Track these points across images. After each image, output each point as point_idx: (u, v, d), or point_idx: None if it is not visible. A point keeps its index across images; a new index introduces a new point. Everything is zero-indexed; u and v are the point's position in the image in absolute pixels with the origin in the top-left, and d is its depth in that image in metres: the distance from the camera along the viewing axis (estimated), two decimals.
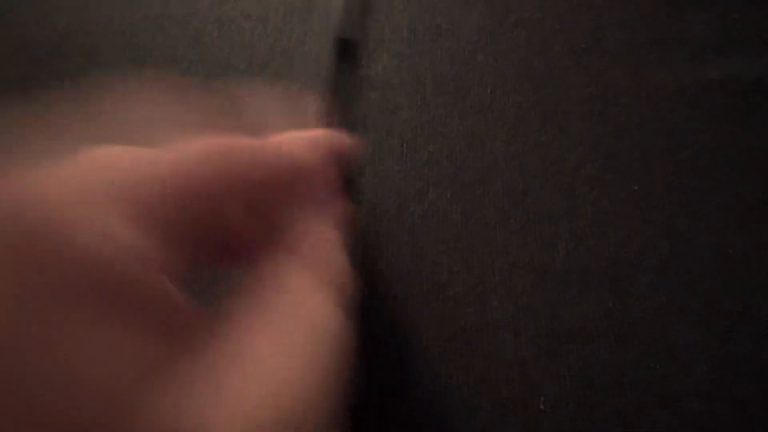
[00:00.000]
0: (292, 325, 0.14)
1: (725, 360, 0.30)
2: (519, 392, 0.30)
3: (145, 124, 0.15)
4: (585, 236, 0.34)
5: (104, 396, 0.10)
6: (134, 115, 0.15)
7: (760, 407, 0.28)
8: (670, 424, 0.28)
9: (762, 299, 0.31)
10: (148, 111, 0.15)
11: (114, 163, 0.13)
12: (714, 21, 0.42)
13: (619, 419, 0.29)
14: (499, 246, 0.34)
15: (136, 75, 0.18)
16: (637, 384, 0.29)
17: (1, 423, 0.09)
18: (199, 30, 0.45)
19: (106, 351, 0.11)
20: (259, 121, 0.16)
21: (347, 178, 0.20)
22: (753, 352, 0.30)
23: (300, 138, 0.17)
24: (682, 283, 0.32)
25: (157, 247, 0.12)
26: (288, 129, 0.17)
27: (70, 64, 0.45)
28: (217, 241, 0.14)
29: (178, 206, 0.13)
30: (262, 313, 0.14)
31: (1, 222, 0.10)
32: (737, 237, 0.33)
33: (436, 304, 0.33)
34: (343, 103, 0.31)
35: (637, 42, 0.41)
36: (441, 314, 0.32)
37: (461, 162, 0.36)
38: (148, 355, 0.11)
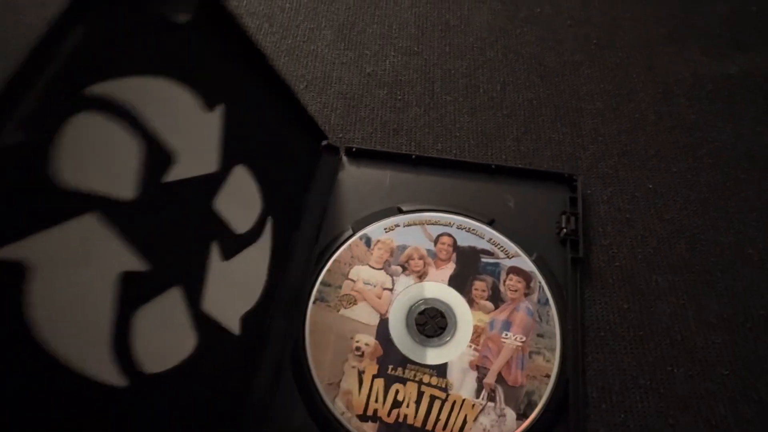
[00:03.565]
0: None
1: (748, 362, 0.29)
2: None
3: None
4: (599, 236, 0.33)
5: None
6: None
7: None
8: (693, 427, 0.27)
9: None
10: None
11: None
12: (732, 14, 0.41)
13: (637, 422, 0.27)
14: None
15: None
16: (655, 387, 0.28)
17: None
18: None
19: None
20: None
21: None
22: None
23: None
24: (701, 283, 0.31)
25: None
26: None
27: None
28: None
29: None
30: None
31: None
32: (758, 236, 0.32)
33: None
34: None
35: (652, 36, 0.40)
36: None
37: (471, 159, 0.35)
38: None
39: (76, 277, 0.18)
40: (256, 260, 0.28)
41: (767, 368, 0.29)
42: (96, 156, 0.18)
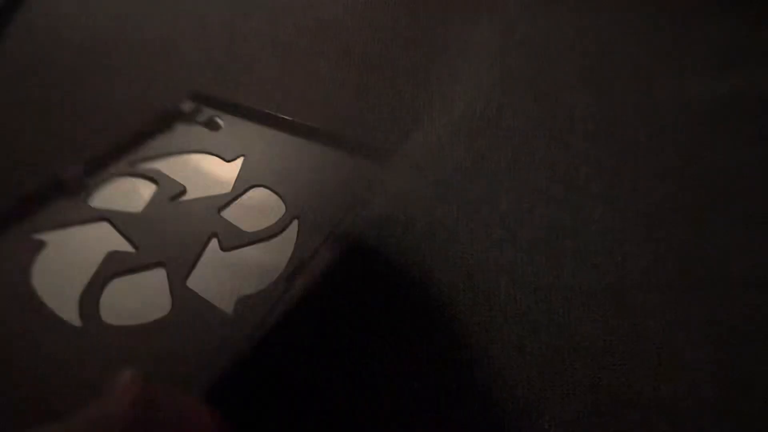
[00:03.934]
0: None
1: (732, 378, 0.30)
2: (524, 411, 0.30)
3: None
4: (590, 254, 0.34)
5: None
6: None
7: (766, 421, 0.28)
8: None
9: (766, 315, 0.31)
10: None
11: None
12: (722, 35, 0.42)
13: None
14: (505, 264, 0.34)
15: None
16: (643, 402, 0.30)
17: None
18: (209, 47, 0.47)
19: None
20: None
21: None
22: (761, 370, 0.30)
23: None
24: (687, 300, 0.32)
25: None
26: None
27: (86, 79, 0.47)
28: None
29: None
30: None
31: None
32: (743, 254, 0.33)
33: (441, 321, 0.33)
34: None
35: (643, 58, 0.41)
36: (448, 331, 0.33)
37: (468, 180, 0.37)
38: None
39: (73, 253, 0.30)
40: (270, 254, 0.31)
41: (752, 383, 0.30)
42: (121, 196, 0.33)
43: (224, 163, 0.36)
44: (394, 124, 0.40)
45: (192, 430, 0.19)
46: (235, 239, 0.32)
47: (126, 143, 0.36)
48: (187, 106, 0.41)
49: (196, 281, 0.30)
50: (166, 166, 0.35)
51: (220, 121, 0.40)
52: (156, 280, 0.30)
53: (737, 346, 0.30)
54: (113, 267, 0.30)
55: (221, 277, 0.30)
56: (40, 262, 0.30)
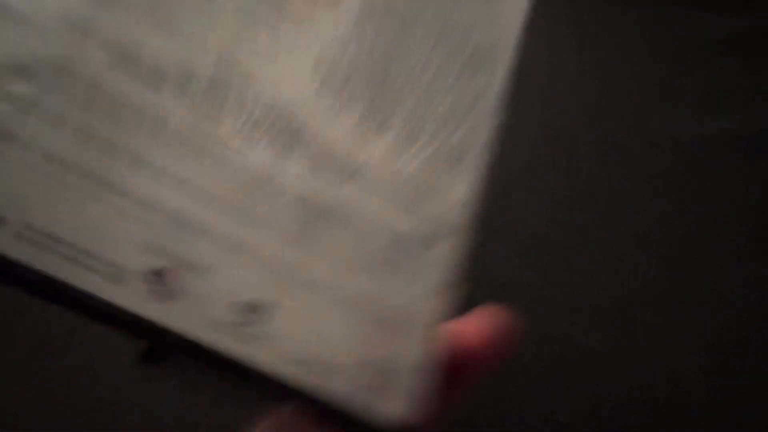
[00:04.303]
0: None
1: (725, 384, 0.33)
2: (538, 409, 0.34)
3: None
4: (595, 272, 0.38)
5: None
6: None
7: (757, 428, 0.31)
8: None
9: (757, 328, 0.34)
10: None
11: None
12: (715, 77, 0.46)
13: None
14: (520, 283, 0.38)
15: None
16: (642, 407, 0.33)
17: None
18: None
19: None
20: None
21: None
22: (751, 378, 0.33)
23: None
24: (683, 314, 0.35)
25: None
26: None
27: None
28: None
29: None
30: None
31: None
32: (734, 272, 0.36)
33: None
34: None
35: (642, 99, 0.45)
36: None
37: (485, 209, 0.41)
38: None
39: None
40: None
41: (742, 390, 0.32)
42: None
43: None
44: None
45: None
46: None
47: None
48: None
49: None
50: None
51: None
52: None
53: (729, 354, 0.33)
54: None
55: None
56: None
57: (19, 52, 0.14)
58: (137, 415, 0.35)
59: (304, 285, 0.15)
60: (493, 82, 0.20)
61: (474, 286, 0.18)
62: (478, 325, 0.18)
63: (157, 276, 0.13)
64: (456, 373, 0.17)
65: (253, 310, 0.15)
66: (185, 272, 0.14)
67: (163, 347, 0.14)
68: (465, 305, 0.19)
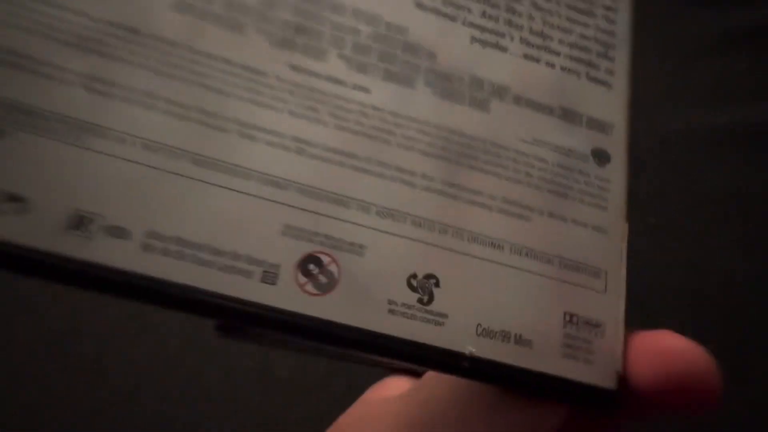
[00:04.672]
0: None
1: (737, 376, 0.34)
2: None
3: None
4: None
5: None
6: None
7: None
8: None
9: (766, 322, 0.35)
10: None
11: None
12: (722, 70, 0.47)
13: None
14: None
15: None
16: None
17: None
18: None
19: None
20: None
21: None
22: (761, 371, 0.34)
23: None
24: (695, 306, 0.37)
25: None
26: None
27: None
28: None
29: None
30: None
31: None
32: (745, 265, 0.38)
33: None
34: None
35: (651, 93, 0.46)
36: None
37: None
38: None
39: None
40: None
41: (756, 380, 0.34)
42: None
43: None
44: None
45: None
46: None
47: None
48: None
49: None
50: None
51: None
52: None
53: (740, 345, 0.35)
54: None
55: None
56: None
57: (75, 20, 0.12)
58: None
59: (470, 242, 0.13)
60: None
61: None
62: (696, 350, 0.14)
63: (311, 265, 0.12)
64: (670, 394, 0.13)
65: (424, 285, 0.12)
66: (339, 254, 0.12)
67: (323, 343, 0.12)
68: None
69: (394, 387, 0.18)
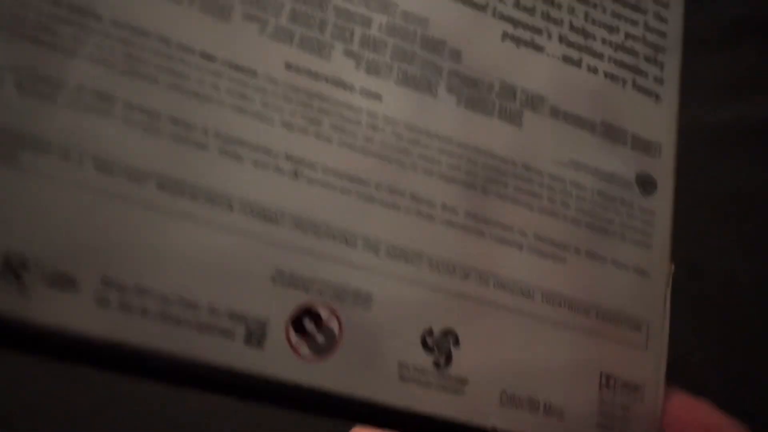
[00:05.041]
0: None
1: (740, 376, 0.33)
2: None
3: None
4: None
5: None
6: None
7: None
8: None
9: None
10: None
11: None
12: (729, 64, 0.45)
13: None
14: None
15: None
16: None
17: None
18: None
19: None
20: None
21: None
22: (763, 372, 0.33)
23: None
24: (696, 306, 0.36)
25: None
26: None
27: None
28: None
29: None
30: None
31: None
32: (747, 265, 0.37)
33: None
34: None
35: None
36: None
37: None
38: None
39: None
40: None
41: (759, 381, 0.33)
42: None
43: None
44: None
45: None
46: None
47: None
48: None
49: None
50: None
51: None
52: None
53: (743, 346, 0.34)
54: None
55: None
56: None
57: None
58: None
59: (496, 289, 0.11)
60: None
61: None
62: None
63: (307, 320, 0.10)
64: None
65: (441, 343, 0.10)
66: (341, 306, 0.10)
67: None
68: None
69: None
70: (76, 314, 0.09)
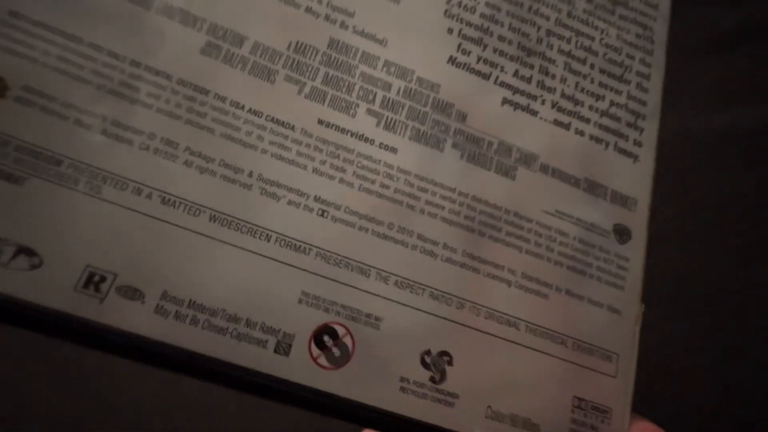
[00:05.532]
0: None
1: (728, 384, 0.34)
2: None
3: None
4: None
5: None
6: None
7: (761, 428, 0.33)
8: None
9: (761, 329, 0.35)
10: None
11: None
12: (721, 72, 0.46)
13: None
14: None
15: None
16: (643, 403, 0.34)
17: None
18: None
19: None
20: None
21: None
22: (754, 377, 0.34)
23: None
24: (686, 314, 0.36)
25: None
26: None
27: None
28: None
29: None
30: None
31: None
32: (738, 273, 0.37)
33: None
34: None
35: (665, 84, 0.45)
36: None
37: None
38: None
39: None
40: None
41: (746, 389, 0.34)
42: None
43: None
44: None
45: None
46: None
47: None
48: None
49: None
50: None
51: None
52: None
53: (735, 352, 0.35)
54: None
55: None
56: None
57: (99, 58, 0.12)
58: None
59: (486, 319, 0.13)
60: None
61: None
62: None
63: (326, 336, 0.12)
64: None
65: (437, 362, 0.12)
66: (355, 326, 0.12)
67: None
68: None
69: None
70: (141, 320, 0.11)
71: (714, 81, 0.45)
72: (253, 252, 0.12)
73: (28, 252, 0.10)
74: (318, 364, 0.11)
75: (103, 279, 0.11)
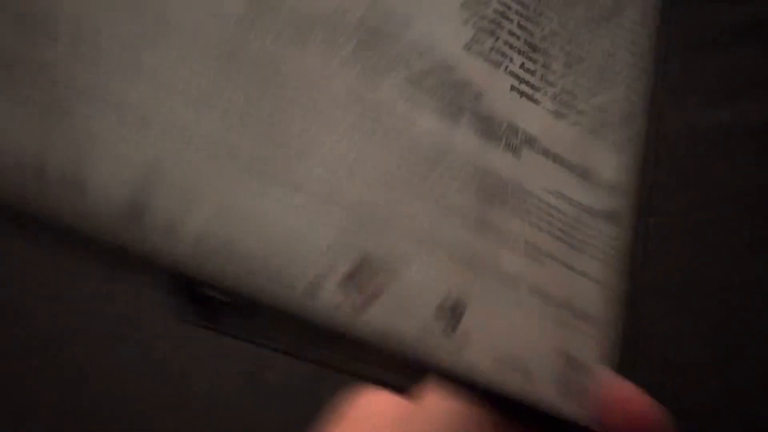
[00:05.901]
0: None
1: (735, 378, 0.35)
2: None
3: None
4: None
5: None
6: None
7: (766, 423, 0.33)
8: None
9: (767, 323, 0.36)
10: None
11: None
12: (727, 66, 0.46)
13: None
14: None
15: None
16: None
17: None
18: None
19: None
20: None
21: None
22: (759, 372, 0.34)
23: None
24: (693, 308, 0.37)
25: None
26: None
27: None
28: None
29: None
30: None
31: None
32: (745, 267, 0.38)
33: None
34: None
35: (656, 90, 0.45)
36: None
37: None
38: None
39: None
40: None
41: (754, 384, 0.34)
42: None
43: None
44: None
45: None
46: None
47: None
48: None
49: None
50: None
51: None
52: None
53: (740, 347, 0.35)
54: None
55: None
56: None
57: None
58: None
59: (492, 275, 0.14)
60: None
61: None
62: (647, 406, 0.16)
63: (352, 282, 0.12)
64: None
65: (452, 309, 0.13)
66: (378, 272, 0.13)
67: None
68: None
69: (380, 405, 0.19)
70: (180, 249, 0.11)
71: (720, 76, 0.44)
72: (287, 202, 0.12)
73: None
74: (343, 307, 0.12)
75: (144, 208, 0.10)
